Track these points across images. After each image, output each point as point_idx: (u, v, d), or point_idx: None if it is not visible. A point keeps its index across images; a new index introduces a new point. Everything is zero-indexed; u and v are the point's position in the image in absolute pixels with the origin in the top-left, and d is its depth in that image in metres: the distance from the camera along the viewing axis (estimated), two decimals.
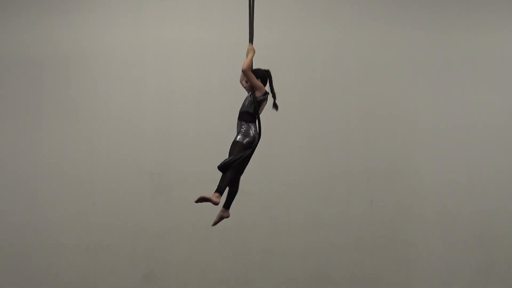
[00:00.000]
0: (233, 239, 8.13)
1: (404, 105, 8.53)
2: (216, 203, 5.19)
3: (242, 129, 5.42)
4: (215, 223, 5.55)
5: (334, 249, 8.19)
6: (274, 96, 5.55)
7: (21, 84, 8.37)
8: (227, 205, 5.53)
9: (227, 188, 5.37)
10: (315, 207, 8.26)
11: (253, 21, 5.60)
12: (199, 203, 5.26)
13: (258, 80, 5.46)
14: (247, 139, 5.38)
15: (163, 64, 8.43)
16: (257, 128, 5.44)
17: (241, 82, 5.64)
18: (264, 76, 5.56)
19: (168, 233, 8.11)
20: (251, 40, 5.56)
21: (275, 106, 5.55)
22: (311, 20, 8.60)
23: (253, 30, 5.59)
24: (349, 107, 8.48)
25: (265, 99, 5.54)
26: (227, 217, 5.55)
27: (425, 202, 8.34)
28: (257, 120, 5.44)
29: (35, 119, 8.32)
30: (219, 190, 5.23)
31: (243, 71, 5.39)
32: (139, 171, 8.21)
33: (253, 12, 5.61)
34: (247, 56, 5.47)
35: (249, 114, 5.44)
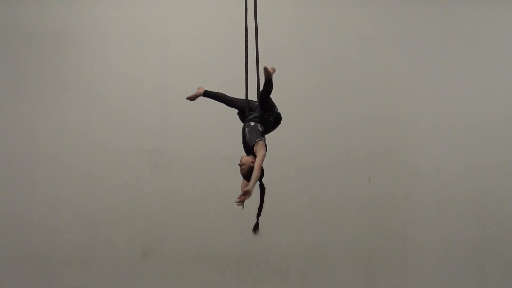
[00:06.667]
0: (231, 215, 8.15)
1: (403, 83, 8.50)
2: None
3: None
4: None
5: (331, 226, 8.22)
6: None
7: (19, 60, 8.32)
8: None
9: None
10: (313, 184, 8.27)
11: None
12: None
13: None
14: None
15: (163, 41, 8.38)
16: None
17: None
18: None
19: (166, 209, 8.14)
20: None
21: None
22: None
23: None
24: (347, 86, 8.45)
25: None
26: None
27: (422, 180, 8.35)
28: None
29: (32, 95, 8.30)
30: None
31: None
32: (137, 148, 8.21)
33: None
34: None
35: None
